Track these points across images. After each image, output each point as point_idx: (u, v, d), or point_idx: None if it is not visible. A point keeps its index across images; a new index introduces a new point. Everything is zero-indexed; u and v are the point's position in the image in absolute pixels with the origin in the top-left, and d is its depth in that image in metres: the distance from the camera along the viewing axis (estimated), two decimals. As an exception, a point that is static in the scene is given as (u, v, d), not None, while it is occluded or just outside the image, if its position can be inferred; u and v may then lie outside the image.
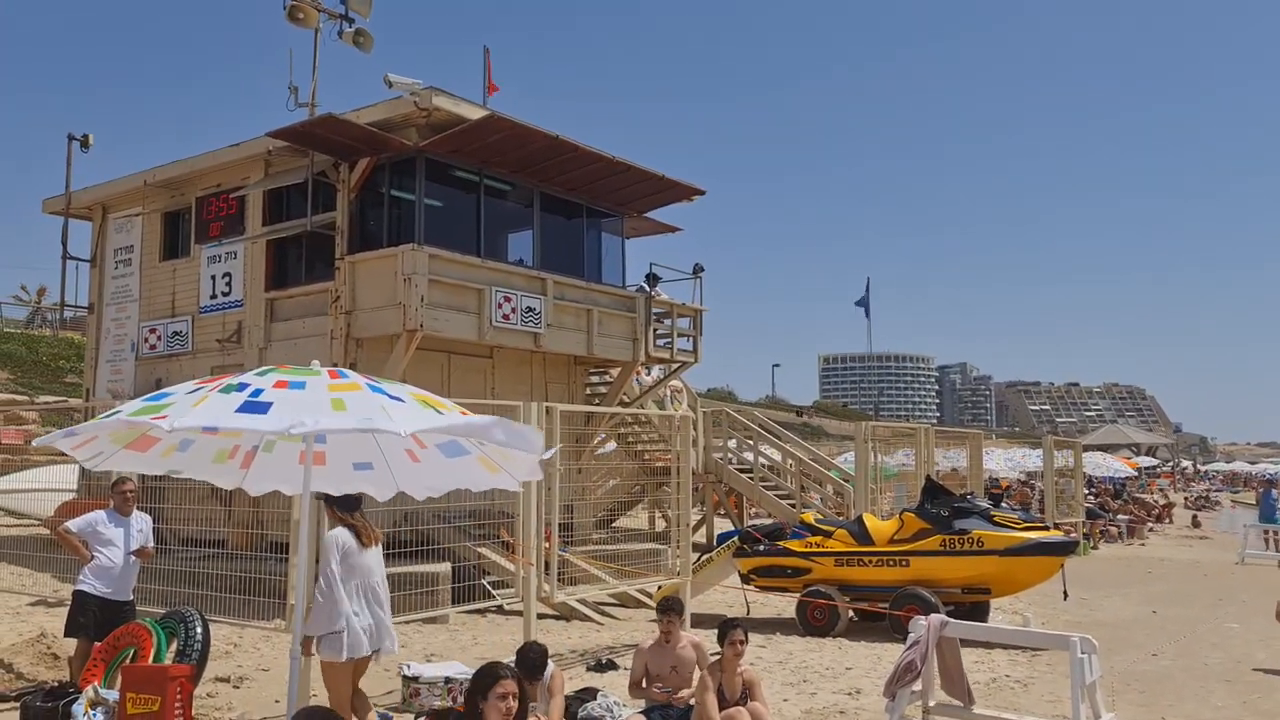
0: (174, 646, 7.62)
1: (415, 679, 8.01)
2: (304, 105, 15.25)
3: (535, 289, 14.81)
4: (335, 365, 6.10)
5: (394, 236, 14.05)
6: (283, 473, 5.71)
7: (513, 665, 4.84)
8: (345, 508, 6.09)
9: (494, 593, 11.08)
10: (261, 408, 4.33)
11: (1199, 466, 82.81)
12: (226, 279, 15.47)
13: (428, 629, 11.53)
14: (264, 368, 5.03)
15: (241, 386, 4.55)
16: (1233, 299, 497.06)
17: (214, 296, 15.64)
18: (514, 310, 14.29)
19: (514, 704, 4.28)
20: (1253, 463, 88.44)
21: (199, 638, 7.60)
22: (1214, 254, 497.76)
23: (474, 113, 13.99)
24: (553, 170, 15.29)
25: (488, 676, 4.32)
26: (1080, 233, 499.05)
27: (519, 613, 9.36)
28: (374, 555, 6.19)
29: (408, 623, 11.05)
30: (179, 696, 6.05)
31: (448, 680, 7.90)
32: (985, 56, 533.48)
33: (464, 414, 4.86)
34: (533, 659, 6.20)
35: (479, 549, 12.87)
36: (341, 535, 6.04)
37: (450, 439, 5.27)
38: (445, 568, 11.94)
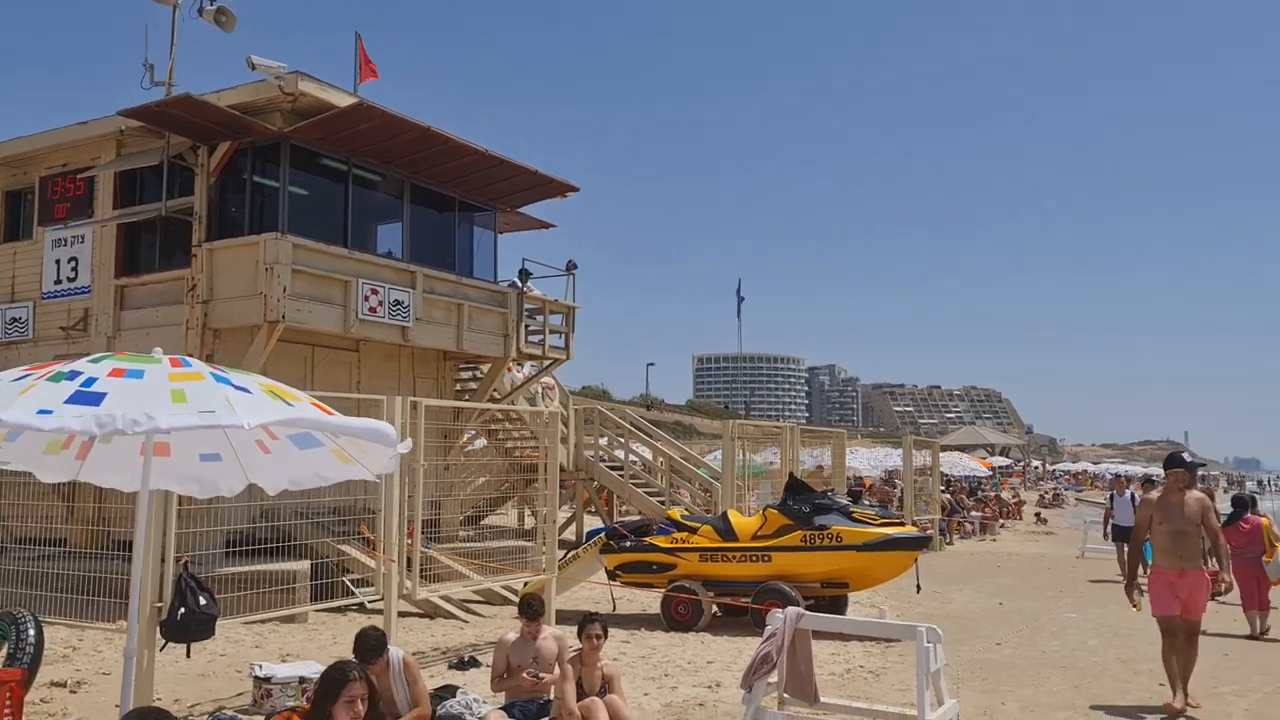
0: (4, 650, 7.21)
1: (267, 679, 7.79)
2: (160, 84, 14.58)
3: (404, 282, 14.55)
4: (191, 356, 5.84)
5: (256, 224, 13.60)
6: (122, 464, 5.42)
7: (359, 664, 4.71)
8: None
9: (355, 590, 10.85)
10: (94, 398, 4.08)
11: (1048, 466, 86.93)
12: (73, 264, 14.69)
13: (284, 629, 11.21)
14: (98, 354, 4.77)
15: (73, 375, 4.28)
16: (1083, 308, 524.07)
17: (58, 282, 14.83)
18: (381, 303, 14.00)
19: (363, 707, 4.19)
20: (1096, 462, 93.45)
21: (31, 640, 7.21)
22: (1067, 263, 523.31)
23: (343, 100, 13.66)
24: (424, 162, 15.05)
25: (336, 679, 4.20)
26: (948, 239, 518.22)
27: (381, 611, 9.18)
28: None
29: (263, 622, 10.74)
30: (8, 702, 5.73)
31: (302, 680, 7.70)
32: (857, 65, 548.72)
33: (316, 406, 4.73)
34: (370, 642, 6.07)
35: (340, 546, 12.58)
36: None
37: (303, 431, 5.13)
38: (304, 565, 11.63)
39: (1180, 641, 8.26)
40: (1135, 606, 8.62)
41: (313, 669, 7.65)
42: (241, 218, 13.86)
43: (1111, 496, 19.86)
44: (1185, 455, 8.86)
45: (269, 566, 10.64)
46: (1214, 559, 8.57)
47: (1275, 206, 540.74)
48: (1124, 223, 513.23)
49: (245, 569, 9.96)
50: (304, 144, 13.81)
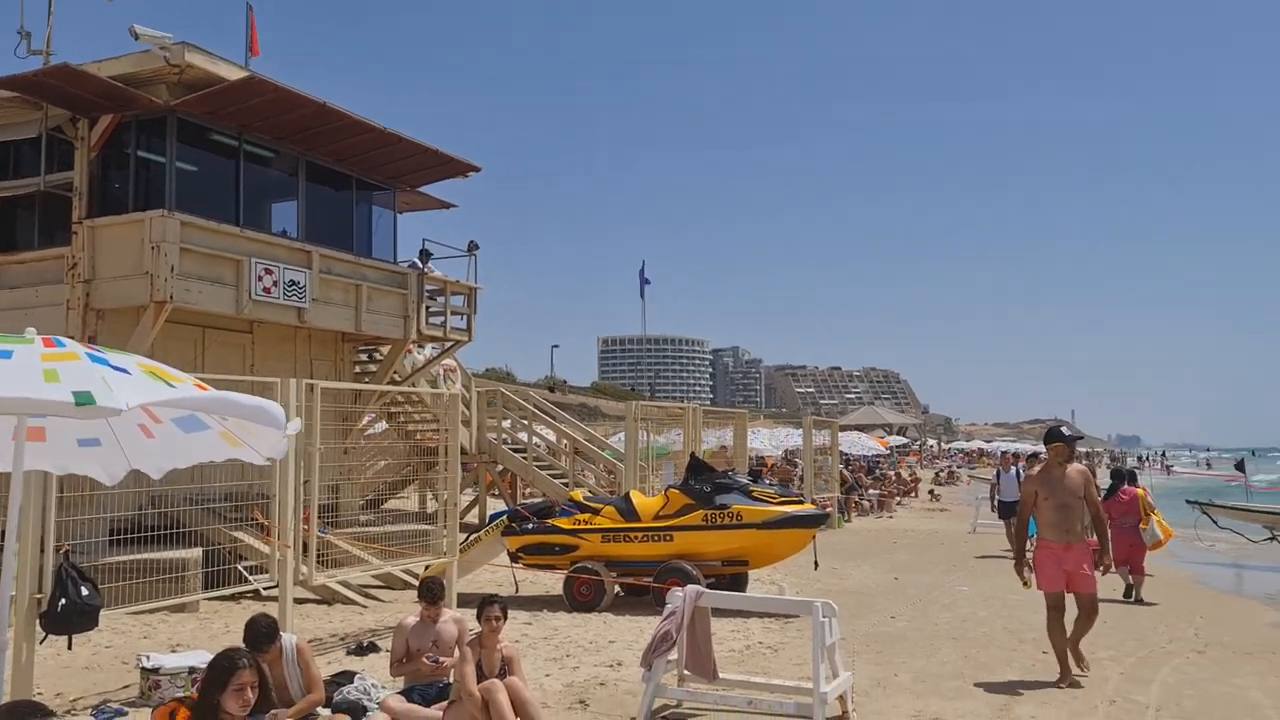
0: None
1: (155, 670, 7.56)
2: (38, 53, 13.92)
3: (300, 262, 14.19)
4: (70, 338, 5.60)
5: (141, 201, 13.10)
6: (-6, 450, 5.17)
7: (248, 652, 4.60)
8: None
9: (249, 578, 10.59)
10: (-41, 379, 3.90)
11: (943, 445, 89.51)
12: (-56, 241, 13.96)
13: (174, 618, 10.90)
14: (-34, 335, 4.54)
15: (-64, 355, 4.07)
16: (978, 291, 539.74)
17: (-75, 259, 14.06)
18: (276, 283, 13.64)
19: (252, 695, 4.10)
20: (989, 441, 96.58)
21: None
22: (963, 248, 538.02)
23: (233, 73, 13.24)
24: (320, 139, 14.68)
25: (223, 667, 4.10)
26: (851, 223, 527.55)
27: (276, 598, 8.98)
28: None
29: (152, 612, 10.41)
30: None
31: (192, 670, 7.49)
32: (767, 47, 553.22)
33: (200, 388, 4.58)
34: (261, 630, 5.94)
35: (234, 532, 12.27)
36: None
37: (188, 413, 4.97)
38: (196, 553, 11.33)
39: (1080, 617, 8.45)
40: (1025, 584, 8.61)
41: (203, 659, 7.43)
42: (126, 194, 13.32)
43: (998, 473, 20.29)
44: (1064, 429, 8.86)
45: (158, 554, 10.31)
46: (1095, 532, 8.74)
47: (1155, 193, 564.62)
48: (1016, 209, 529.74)
49: (132, 557, 9.63)
50: (192, 118, 13.34)
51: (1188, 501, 22.06)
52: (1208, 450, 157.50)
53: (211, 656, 7.05)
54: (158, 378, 4.33)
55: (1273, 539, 19.32)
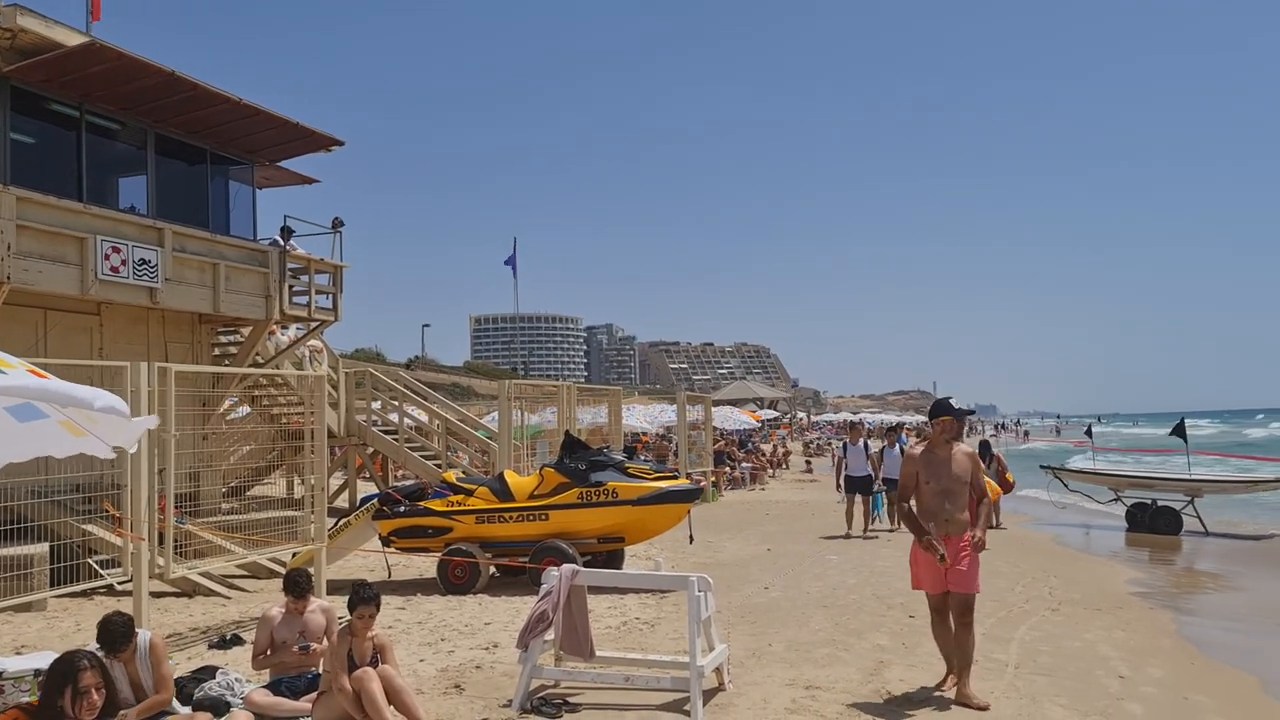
0: None
1: (-3, 675, 7.09)
2: None
3: (150, 239, 13.48)
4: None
5: (-28, 175, 12.22)
6: None
7: (92, 649, 4.33)
8: None
9: (102, 572, 10.05)
10: None
11: (812, 418, 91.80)
12: None
13: (19, 618, 10.28)
14: None
15: None
16: (841, 267, 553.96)
17: None
18: (124, 262, 12.94)
19: (98, 698, 3.85)
20: (855, 413, 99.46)
21: None
22: (826, 224, 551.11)
23: (72, 39, 12.44)
24: (170, 110, 13.95)
25: (64, 671, 3.85)
26: (717, 198, 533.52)
27: (131, 592, 8.55)
28: None
29: (-6, 613, 9.81)
30: None
31: (38, 673, 7.04)
32: (633, 19, 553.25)
33: (34, 374, 4.26)
34: (116, 629, 5.64)
35: (84, 526, 11.63)
36: None
37: (24, 401, 4.62)
38: (42, 548, 10.69)
39: (954, 624, 7.06)
40: (942, 557, 6.91)
41: (50, 660, 7.02)
42: (-46, 167, 12.41)
43: (845, 445, 17.96)
44: (952, 401, 7.42)
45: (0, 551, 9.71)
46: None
47: (1010, 173, 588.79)
48: (874, 186, 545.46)
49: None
50: (27, 86, 12.51)
51: (1041, 467, 23.16)
52: (1058, 417, 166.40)
53: (57, 657, 6.69)
54: (-15, 364, 4.01)
55: (1117, 500, 20.46)
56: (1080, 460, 27.41)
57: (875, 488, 17.64)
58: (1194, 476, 20.19)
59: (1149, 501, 19.55)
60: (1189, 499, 19.45)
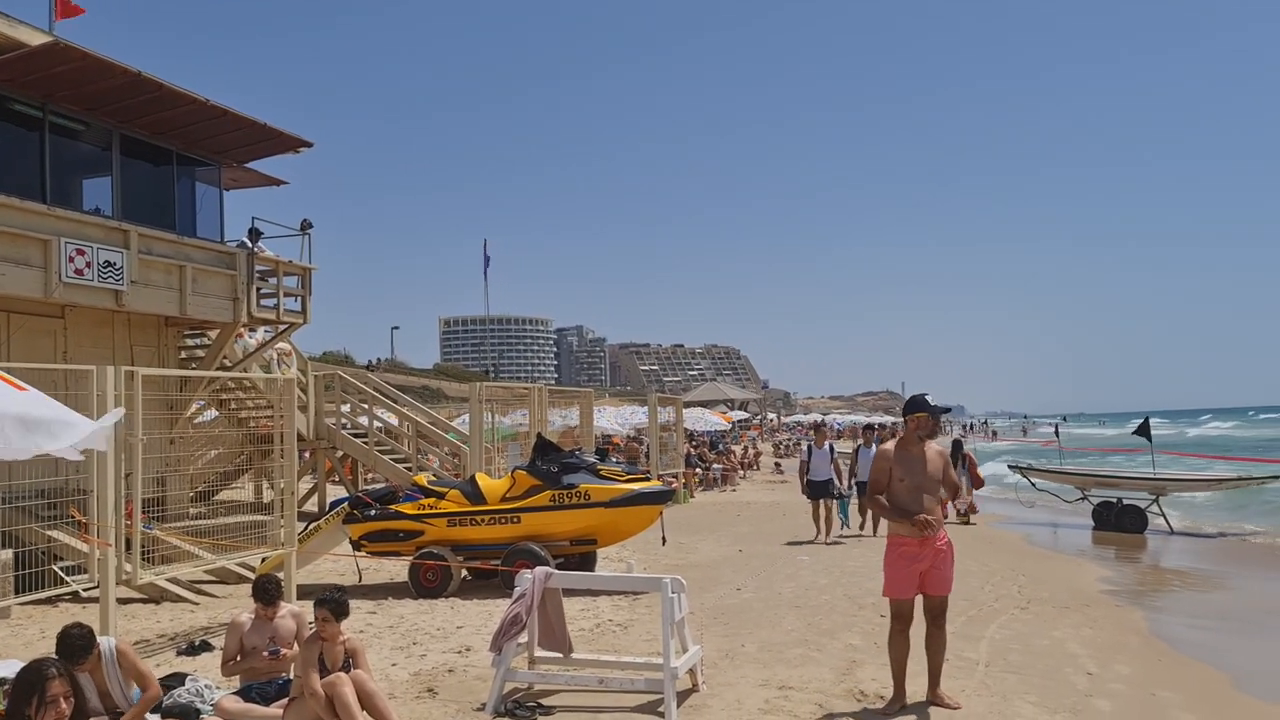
0: None
1: (-40, 684, 6.97)
2: None
3: (116, 241, 13.32)
4: None
5: (-68, 175, 12.03)
6: None
7: (58, 660, 4.27)
8: None
9: (67, 579, 9.91)
10: None
11: (783, 419, 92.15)
12: None
13: (-17, 626, 10.12)
14: None
15: None
16: (812, 268, 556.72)
17: None
18: (89, 265, 12.77)
19: (67, 707, 3.80)
20: (825, 413, 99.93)
21: None
22: (801, 228, 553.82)
23: (35, 38, 12.29)
24: (136, 110, 13.79)
25: (30, 680, 3.78)
26: (684, 200, 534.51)
27: (98, 599, 8.43)
28: None
29: (-44, 621, 9.65)
30: None
31: (2, 683, 6.94)
32: (608, 16, 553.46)
33: (5, 381, 4.20)
34: (74, 641, 5.55)
35: (49, 532, 11.46)
36: None
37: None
38: (7, 555, 10.51)
39: (928, 626, 6.98)
40: (925, 525, 6.73)
41: (14, 669, 6.90)
42: (-86, 168, 12.22)
43: (809, 448, 16.89)
44: (928, 397, 7.19)
45: (-40, 559, 9.54)
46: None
47: (977, 174, 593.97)
48: (843, 188, 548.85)
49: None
50: (-11, 86, 12.32)
51: (1009, 466, 23.39)
52: (1025, 417, 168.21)
53: (24, 666, 6.58)
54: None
55: (1084, 498, 20.70)
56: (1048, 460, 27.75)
57: (838, 491, 16.76)
58: (1159, 476, 20.46)
59: (1114, 500, 19.80)
60: (1154, 497, 19.72)
